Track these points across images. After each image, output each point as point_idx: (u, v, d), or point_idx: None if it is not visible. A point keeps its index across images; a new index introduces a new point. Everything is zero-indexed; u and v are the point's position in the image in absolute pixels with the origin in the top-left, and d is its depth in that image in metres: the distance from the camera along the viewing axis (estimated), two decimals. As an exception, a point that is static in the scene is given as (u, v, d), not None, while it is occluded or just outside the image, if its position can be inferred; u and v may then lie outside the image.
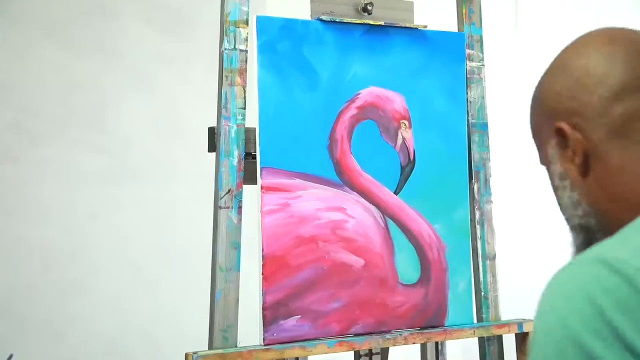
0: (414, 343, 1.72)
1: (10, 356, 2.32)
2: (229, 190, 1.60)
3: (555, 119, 0.93)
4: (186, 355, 1.51)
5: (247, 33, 1.64)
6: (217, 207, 1.60)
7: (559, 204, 0.95)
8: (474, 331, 1.78)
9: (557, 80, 0.94)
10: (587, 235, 0.92)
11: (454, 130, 1.82)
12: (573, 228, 0.94)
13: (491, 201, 1.86)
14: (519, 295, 3.03)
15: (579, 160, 0.91)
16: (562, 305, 0.77)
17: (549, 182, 1.01)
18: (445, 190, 1.79)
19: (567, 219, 0.95)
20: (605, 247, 0.81)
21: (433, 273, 1.76)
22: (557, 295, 0.79)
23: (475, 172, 1.84)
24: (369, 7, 1.75)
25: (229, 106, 1.62)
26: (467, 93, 1.84)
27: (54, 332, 2.86)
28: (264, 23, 1.64)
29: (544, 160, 0.97)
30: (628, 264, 0.76)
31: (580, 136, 0.90)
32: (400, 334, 1.70)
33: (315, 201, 1.66)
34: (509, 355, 1.86)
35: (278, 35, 1.65)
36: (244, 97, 1.63)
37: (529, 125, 1.01)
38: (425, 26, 1.79)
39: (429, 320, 1.76)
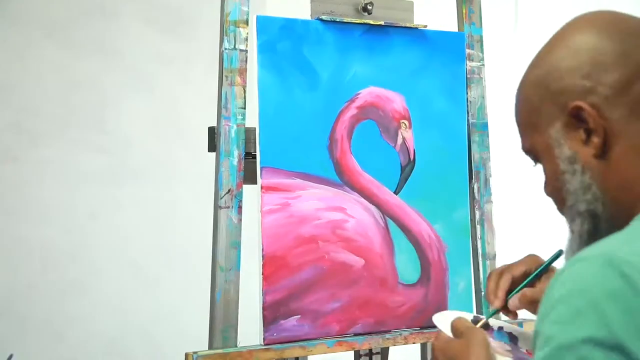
0: (414, 343, 1.72)
1: (10, 356, 2.32)
2: (229, 190, 1.60)
3: (566, 98, 0.89)
4: (186, 355, 1.51)
5: (247, 33, 1.64)
6: (217, 207, 1.60)
7: (563, 190, 0.91)
8: (474, 331, 1.78)
9: (564, 59, 0.90)
10: (593, 221, 0.89)
11: (454, 130, 1.82)
12: (579, 214, 0.91)
13: (491, 201, 1.86)
14: (519, 295, 3.01)
15: (598, 140, 0.87)
16: (565, 311, 0.75)
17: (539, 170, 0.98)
18: (445, 190, 1.79)
19: (572, 206, 0.91)
20: (615, 245, 0.79)
21: (433, 273, 1.76)
22: (561, 300, 0.76)
23: (475, 172, 1.84)
24: (369, 7, 1.74)
25: (229, 106, 1.62)
26: (467, 93, 1.84)
27: (54, 332, 2.86)
28: (264, 23, 1.64)
29: (541, 145, 0.93)
30: (636, 268, 0.74)
31: (599, 115, 0.87)
32: (400, 334, 1.70)
33: (315, 201, 1.66)
34: (509, 355, 1.86)
35: (278, 35, 1.65)
36: (244, 97, 1.63)
37: (515, 110, 0.97)
38: (425, 26, 1.79)
39: (429, 320, 1.76)
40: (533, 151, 0.96)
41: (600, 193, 0.88)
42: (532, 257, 1.36)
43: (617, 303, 0.73)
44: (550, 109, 0.91)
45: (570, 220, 0.92)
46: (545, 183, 0.96)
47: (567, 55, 0.91)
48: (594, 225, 0.90)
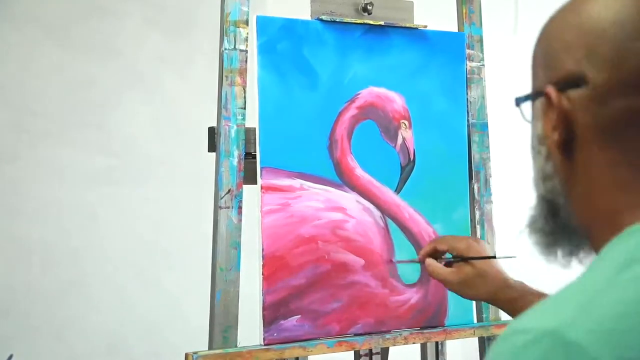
0: (414, 343, 1.72)
1: (10, 356, 2.32)
2: (229, 190, 1.60)
3: (549, 77, 0.78)
4: (186, 355, 1.51)
5: (247, 33, 1.64)
6: (217, 207, 1.60)
7: (533, 164, 0.82)
8: (474, 331, 1.78)
9: (570, 26, 0.77)
10: (551, 209, 0.80)
11: (454, 130, 1.82)
12: (536, 196, 0.82)
13: (491, 201, 1.86)
14: (519, 295, 3.01)
15: (558, 137, 0.76)
16: None
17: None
18: (445, 190, 1.79)
19: (534, 183, 0.82)
20: (569, 312, 0.64)
21: (433, 273, 1.76)
22: None
23: (475, 172, 1.84)
24: (369, 7, 1.75)
25: (229, 106, 1.62)
26: (467, 93, 1.84)
27: (54, 332, 2.86)
28: (264, 23, 1.64)
29: (531, 106, 0.81)
30: (589, 354, 0.60)
31: (567, 109, 0.75)
32: (400, 334, 1.70)
33: (315, 201, 1.66)
34: (509, 355, 1.85)
35: (278, 35, 1.65)
36: (244, 97, 1.63)
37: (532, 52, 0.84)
38: (425, 26, 1.79)
39: (429, 320, 1.76)
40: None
41: (561, 189, 0.78)
42: (465, 241, 1.47)
43: None
44: (540, 74, 0.80)
45: (534, 195, 0.83)
46: None
47: (579, 21, 0.76)
48: (552, 212, 0.80)
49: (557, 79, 0.77)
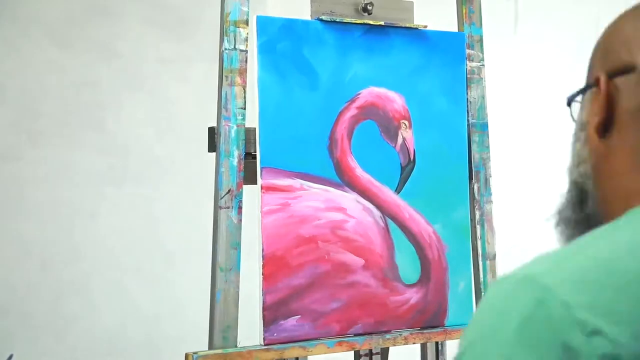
0: (414, 343, 1.72)
1: (10, 356, 2.32)
2: (229, 190, 1.60)
3: (603, 67, 0.83)
4: (186, 355, 1.51)
5: (247, 33, 1.64)
6: (217, 207, 1.60)
7: (571, 151, 0.86)
8: (474, 331, 1.78)
9: (630, 21, 0.83)
10: (580, 195, 0.84)
11: (454, 130, 1.82)
12: (569, 182, 0.86)
13: (491, 201, 1.86)
14: (519, 295, 3.02)
15: (598, 119, 0.81)
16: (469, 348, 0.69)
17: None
18: (445, 190, 1.79)
19: (569, 169, 0.86)
20: (546, 262, 0.72)
21: (433, 273, 1.76)
22: (469, 341, 0.70)
23: (475, 172, 1.84)
24: (369, 7, 1.75)
25: (229, 106, 1.62)
26: (467, 93, 1.84)
27: (54, 332, 2.86)
28: (264, 23, 1.64)
29: (581, 100, 0.87)
30: (554, 294, 0.67)
31: (612, 94, 0.80)
32: (400, 334, 1.70)
33: (315, 201, 1.66)
34: (509, 355, 1.86)
35: (278, 35, 1.65)
36: (244, 97, 1.63)
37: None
38: (425, 26, 1.79)
39: (429, 320, 1.76)
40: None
41: (591, 172, 0.83)
42: None
43: (522, 336, 0.66)
44: (595, 69, 0.85)
45: (566, 181, 0.87)
46: None
47: (633, 21, 0.82)
48: (580, 199, 0.84)
49: (609, 68, 0.82)
